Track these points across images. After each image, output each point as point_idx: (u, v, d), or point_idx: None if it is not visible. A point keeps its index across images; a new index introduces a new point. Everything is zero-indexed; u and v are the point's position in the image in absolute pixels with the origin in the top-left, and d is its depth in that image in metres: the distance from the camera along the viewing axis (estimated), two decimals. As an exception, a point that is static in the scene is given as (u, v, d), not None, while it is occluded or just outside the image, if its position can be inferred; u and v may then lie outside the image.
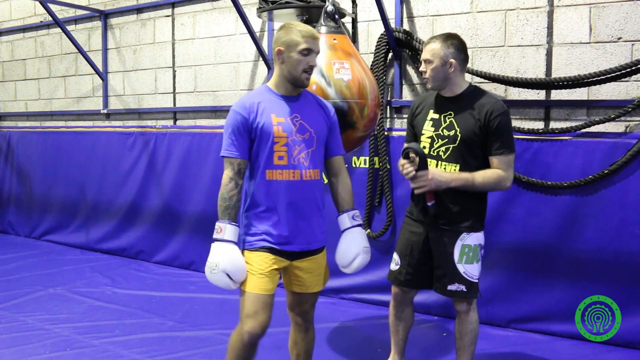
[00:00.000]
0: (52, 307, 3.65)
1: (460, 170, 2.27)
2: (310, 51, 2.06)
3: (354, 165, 3.79)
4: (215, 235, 2.03)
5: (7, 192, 6.11)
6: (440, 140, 2.32)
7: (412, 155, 2.25)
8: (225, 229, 2.02)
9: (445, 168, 2.29)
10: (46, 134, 5.72)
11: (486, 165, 2.29)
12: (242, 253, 2.07)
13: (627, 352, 2.91)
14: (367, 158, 3.70)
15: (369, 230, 3.71)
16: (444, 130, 2.31)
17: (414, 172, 2.24)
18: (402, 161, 2.27)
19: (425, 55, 2.31)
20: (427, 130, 2.36)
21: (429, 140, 2.34)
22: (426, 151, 2.33)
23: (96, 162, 5.22)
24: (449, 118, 2.32)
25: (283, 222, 2.07)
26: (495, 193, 3.25)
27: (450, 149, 2.29)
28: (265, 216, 2.08)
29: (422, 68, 2.34)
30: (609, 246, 3.00)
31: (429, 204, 2.29)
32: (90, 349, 3.00)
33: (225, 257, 1.99)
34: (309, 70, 2.08)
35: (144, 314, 3.53)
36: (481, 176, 2.24)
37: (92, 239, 5.29)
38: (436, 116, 2.36)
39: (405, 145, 2.32)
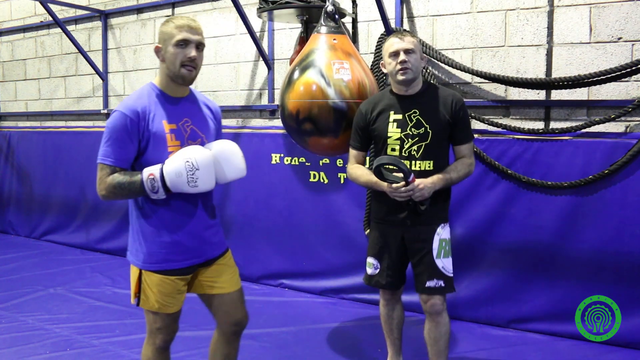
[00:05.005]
0: (52, 307, 3.66)
1: (433, 166, 2.29)
2: (187, 42, 1.85)
3: (354, 165, 3.79)
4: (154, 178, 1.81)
5: (7, 192, 6.12)
6: (410, 139, 2.30)
7: (389, 171, 2.22)
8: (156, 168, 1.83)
9: (419, 167, 2.29)
10: (46, 134, 5.72)
11: (448, 155, 2.37)
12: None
13: (627, 352, 2.91)
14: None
15: (369, 230, 3.70)
16: (413, 129, 2.30)
17: (405, 189, 2.20)
18: (396, 186, 2.21)
19: (407, 45, 2.28)
20: (394, 132, 2.33)
21: (398, 142, 2.32)
22: (397, 153, 2.31)
23: (96, 162, 5.21)
24: (414, 116, 2.31)
25: None
26: (495, 193, 3.27)
27: (423, 146, 2.29)
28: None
29: (403, 58, 2.26)
30: (609, 246, 3.00)
31: (425, 203, 2.27)
32: (90, 349, 3.00)
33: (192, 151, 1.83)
34: (189, 63, 1.87)
35: (144, 313, 3.52)
36: (455, 172, 2.30)
37: (92, 239, 5.30)
38: (399, 117, 2.33)
39: (378, 161, 2.20)
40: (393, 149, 2.32)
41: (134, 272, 2.00)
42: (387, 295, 2.53)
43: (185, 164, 1.80)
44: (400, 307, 2.58)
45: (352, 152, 2.51)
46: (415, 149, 2.30)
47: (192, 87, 2.07)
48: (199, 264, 2.02)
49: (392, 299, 2.54)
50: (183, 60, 1.87)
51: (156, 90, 1.95)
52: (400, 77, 2.29)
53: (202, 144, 1.97)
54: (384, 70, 2.40)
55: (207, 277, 2.06)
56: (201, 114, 2.04)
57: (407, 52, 2.28)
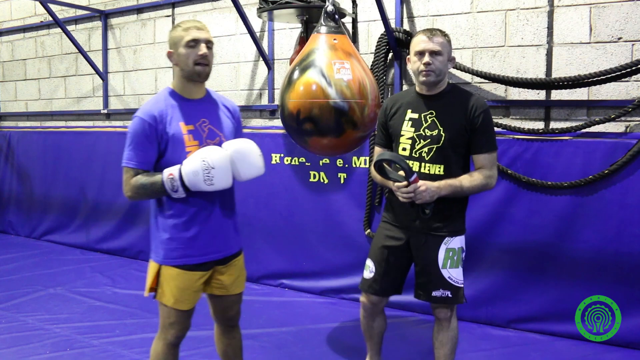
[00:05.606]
0: (52, 307, 3.65)
1: (444, 171, 2.20)
2: (196, 41, 1.95)
3: (354, 166, 3.79)
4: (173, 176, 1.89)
5: (7, 192, 6.11)
6: (422, 140, 2.22)
7: (388, 167, 2.17)
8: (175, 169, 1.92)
9: (429, 170, 2.21)
10: (46, 134, 5.72)
11: (468, 163, 2.27)
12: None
13: (627, 352, 2.91)
14: (367, 158, 3.70)
15: (369, 231, 3.72)
16: (426, 130, 2.22)
17: (406, 189, 2.12)
18: (398, 185, 2.14)
19: (434, 47, 2.17)
20: (407, 131, 2.25)
21: (410, 141, 2.24)
22: (407, 153, 2.23)
23: (96, 162, 5.22)
24: (430, 117, 2.23)
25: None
26: (495, 193, 3.27)
27: (434, 149, 2.20)
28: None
29: (427, 60, 2.17)
30: (609, 246, 3.00)
31: (428, 208, 2.17)
32: (90, 349, 3.00)
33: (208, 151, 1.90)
34: (202, 60, 1.96)
35: (144, 314, 3.52)
36: (468, 180, 2.18)
37: (92, 239, 5.30)
38: (415, 116, 2.26)
39: (379, 156, 2.14)
40: (404, 149, 2.25)
41: (152, 267, 2.07)
42: (370, 307, 2.41)
43: (201, 163, 1.87)
44: (382, 317, 2.49)
45: (375, 149, 2.45)
46: (426, 150, 2.21)
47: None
48: (217, 260, 2.08)
49: (374, 310, 2.43)
50: (195, 59, 1.96)
51: (173, 93, 2.04)
52: (421, 79, 2.21)
53: (221, 143, 2.01)
54: (409, 67, 2.29)
55: (218, 281, 2.13)
56: (218, 114, 2.09)
57: (433, 53, 2.17)
